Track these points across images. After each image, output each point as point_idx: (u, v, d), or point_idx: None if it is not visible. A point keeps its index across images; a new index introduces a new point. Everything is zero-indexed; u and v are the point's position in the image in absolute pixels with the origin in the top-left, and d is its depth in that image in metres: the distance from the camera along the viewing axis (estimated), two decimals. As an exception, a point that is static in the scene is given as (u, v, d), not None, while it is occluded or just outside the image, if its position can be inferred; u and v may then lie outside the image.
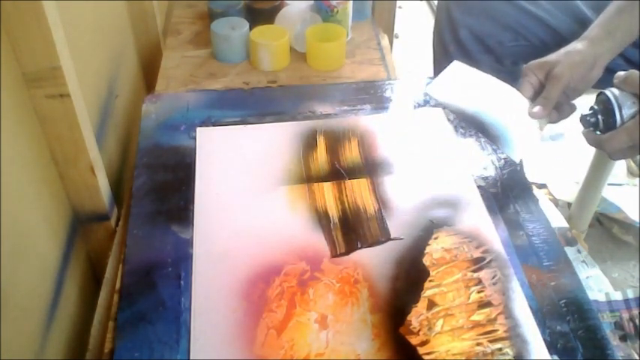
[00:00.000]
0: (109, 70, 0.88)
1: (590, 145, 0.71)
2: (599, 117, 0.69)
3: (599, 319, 0.61)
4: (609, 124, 0.68)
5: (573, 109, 0.77)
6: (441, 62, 1.01)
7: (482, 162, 0.78)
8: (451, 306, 0.61)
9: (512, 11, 0.89)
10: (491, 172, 0.76)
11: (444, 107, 0.82)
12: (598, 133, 0.70)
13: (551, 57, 0.75)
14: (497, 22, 0.90)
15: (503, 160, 0.78)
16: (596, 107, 0.70)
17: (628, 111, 0.67)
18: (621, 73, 0.69)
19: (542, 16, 0.88)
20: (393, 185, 0.74)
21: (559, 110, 0.76)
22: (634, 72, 0.67)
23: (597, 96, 0.70)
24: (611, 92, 0.68)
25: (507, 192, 0.73)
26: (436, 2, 2.16)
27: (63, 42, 0.60)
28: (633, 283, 1.24)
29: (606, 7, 0.77)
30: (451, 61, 0.98)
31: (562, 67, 0.73)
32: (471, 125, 0.79)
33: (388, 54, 1.08)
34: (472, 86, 0.82)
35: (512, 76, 1.01)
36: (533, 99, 0.76)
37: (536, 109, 0.74)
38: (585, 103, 0.74)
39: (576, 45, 0.75)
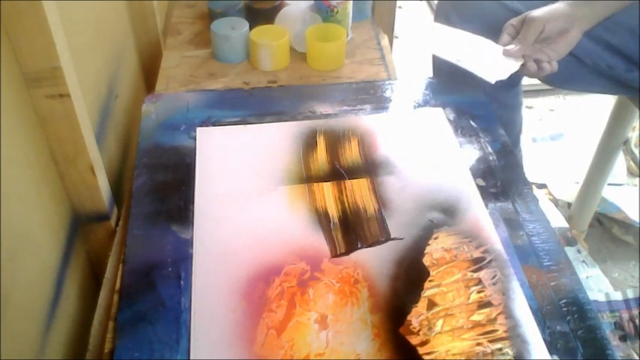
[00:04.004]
0: (109, 70, 0.88)
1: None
2: None
3: (599, 319, 0.61)
4: None
5: (554, 68, 0.81)
6: (440, 65, 1.01)
7: (483, 162, 0.78)
8: (451, 306, 0.61)
9: (509, 17, 0.89)
10: (491, 173, 0.76)
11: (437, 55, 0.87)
12: None
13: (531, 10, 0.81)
14: (494, 29, 0.90)
15: (503, 161, 0.78)
16: None
17: None
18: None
19: None
20: (393, 185, 0.74)
21: (538, 65, 0.81)
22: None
23: None
24: None
25: (507, 192, 0.73)
26: (436, 2, 2.16)
27: (63, 42, 0.60)
28: (633, 283, 1.24)
29: None
30: (449, 65, 0.98)
31: (538, 12, 0.79)
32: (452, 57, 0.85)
33: (388, 54, 1.07)
34: (454, 41, 0.88)
35: (511, 82, 1.01)
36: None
37: (510, 46, 0.81)
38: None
39: (557, 3, 0.80)
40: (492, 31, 0.90)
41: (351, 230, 0.68)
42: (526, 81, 1.09)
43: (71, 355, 0.67)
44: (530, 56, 0.81)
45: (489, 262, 0.65)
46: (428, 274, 0.64)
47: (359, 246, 0.66)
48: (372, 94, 0.89)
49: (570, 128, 1.63)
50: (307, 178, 0.75)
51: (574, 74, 0.90)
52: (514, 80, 1.03)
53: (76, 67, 0.64)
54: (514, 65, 0.82)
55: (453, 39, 0.88)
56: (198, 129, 0.81)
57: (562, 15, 0.78)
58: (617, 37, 0.83)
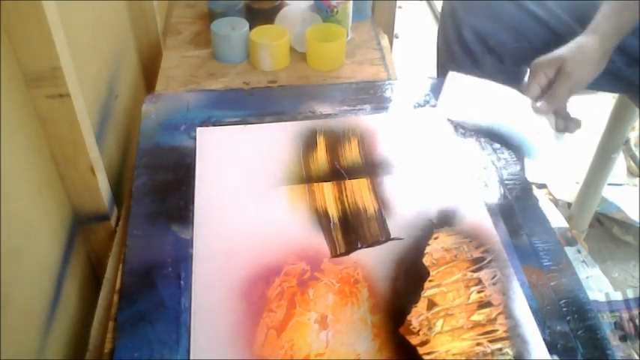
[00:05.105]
0: (109, 70, 0.88)
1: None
2: None
3: (599, 319, 0.61)
4: None
5: (578, 125, 0.78)
6: (444, 62, 1.01)
7: (482, 162, 0.78)
8: (451, 306, 0.61)
9: (515, 13, 0.89)
10: (491, 172, 0.76)
11: (460, 125, 0.81)
12: None
13: (562, 52, 0.74)
14: (500, 23, 0.90)
15: (503, 160, 0.78)
16: None
17: None
18: None
19: (546, 18, 0.88)
20: (393, 185, 0.74)
21: (566, 122, 0.77)
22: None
23: None
24: None
25: (507, 192, 0.73)
26: (436, 2, 2.16)
27: (63, 42, 0.60)
28: (633, 283, 1.24)
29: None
30: (454, 60, 0.98)
31: (573, 63, 0.73)
32: (491, 138, 0.79)
33: (388, 54, 1.08)
34: (477, 96, 0.81)
35: (513, 77, 1.01)
36: (538, 99, 0.76)
37: (541, 104, 0.74)
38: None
39: (587, 40, 0.74)
40: (498, 26, 0.90)
41: (351, 230, 0.68)
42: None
43: (71, 355, 0.67)
44: (560, 111, 0.77)
45: (489, 262, 0.65)
46: (428, 274, 0.64)
47: (359, 246, 0.66)
48: (372, 94, 0.89)
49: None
50: (307, 178, 0.75)
51: None
52: (518, 75, 1.03)
53: (76, 67, 0.64)
54: (551, 133, 0.77)
55: (471, 95, 0.82)
56: (198, 129, 0.81)
57: (594, 57, 0.73)
58: None
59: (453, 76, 0.84)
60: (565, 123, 0.77)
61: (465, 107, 0.81)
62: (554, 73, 0.74)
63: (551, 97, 0.74)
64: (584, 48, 0.73)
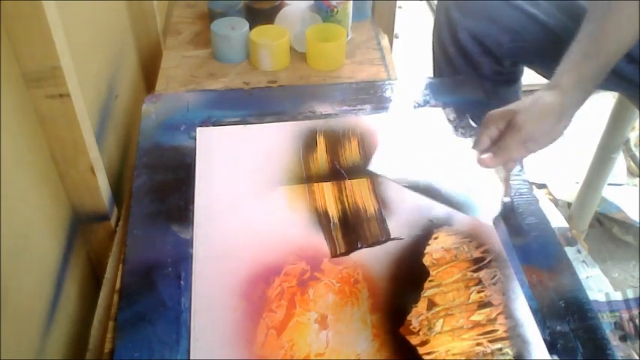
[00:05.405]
0: (109, 70, 0.88)
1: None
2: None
3: (599, 319, 0.61)
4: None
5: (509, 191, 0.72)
6: (440, 64, 1.01)
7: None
8: (451, 306, 0.61)
9: (511, 12, 0.89)
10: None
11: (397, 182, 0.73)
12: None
13: (515, 105, 0.69)
14: (496, 24, 0.90)
15: (503, 160, 0.78)
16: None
17: None
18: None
19: (541, 17, 0.88)
20: (393, 185, 0.74)
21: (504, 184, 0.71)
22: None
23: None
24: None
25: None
26: (436, 2, 2.16)
27: (63, 42, 0.60)
28: (633, 283, 1.24)
29: (569, 51, 0.70)
30: (451, 63, 0.98)
31: (525, 116, 0.66)
32: (429, 197, 0.71)
33: (388, 54, 1.08)
34: (416, 148, 0.76)
35: (511, 77, 1.02)
36: (486, 152, 0.69)
37: (486, 156, 0.68)
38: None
39: (544, 94, 0.68)
40: (493, 26, 0.90)
41: (351, 230, 0.68)
42: (526, 80, 1.09)
43: (71, 355, 0.67)
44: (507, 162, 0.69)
45: (489, 262, 0.65)
46: (428, 274, 0.64)
47: (359, 246, 0.66)
48: (372, 94, 0.89)
49: (570, 128, 1.62)
50: (307, 178, 0.75)
51: None
52: (515, 76, 1.03)
53: (76, 67, 0.64)
54: (501, 188, 0.70)
55: (408, 149, 0.75)
56: (198, 129, 0.81)
57: (550, 112, 0.67)
58: None
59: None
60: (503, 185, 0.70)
61: (401, 163, 0.75)
62: (505, 125, 0.68)
63: (498, 150, 0.67)
64: (540, 102, 0.67)
